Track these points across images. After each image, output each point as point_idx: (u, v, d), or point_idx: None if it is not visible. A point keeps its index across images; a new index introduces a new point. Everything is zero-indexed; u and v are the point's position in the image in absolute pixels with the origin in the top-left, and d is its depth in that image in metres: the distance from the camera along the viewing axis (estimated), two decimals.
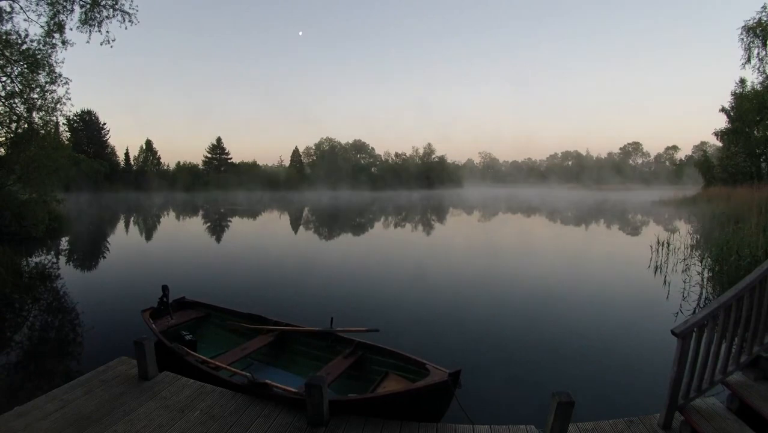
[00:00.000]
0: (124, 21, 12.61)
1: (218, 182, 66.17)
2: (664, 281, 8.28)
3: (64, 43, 12.21)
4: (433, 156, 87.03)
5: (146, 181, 60.49)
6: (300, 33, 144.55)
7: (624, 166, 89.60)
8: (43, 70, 11.91)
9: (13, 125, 12.42)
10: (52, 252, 12.88)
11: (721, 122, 27.94)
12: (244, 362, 4.34)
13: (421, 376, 3.48)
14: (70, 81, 12.48)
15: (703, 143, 59.41)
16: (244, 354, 4.24)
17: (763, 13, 20.98)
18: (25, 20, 12.33)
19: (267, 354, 4.63)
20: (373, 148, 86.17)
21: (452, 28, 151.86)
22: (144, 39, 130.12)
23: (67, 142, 19.12)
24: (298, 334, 4.61)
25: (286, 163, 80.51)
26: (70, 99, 12.53)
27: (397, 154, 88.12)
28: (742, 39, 21.67)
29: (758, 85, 23.91)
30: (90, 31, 12.32)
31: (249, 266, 10.87)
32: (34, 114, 12.33)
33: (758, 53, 21.36)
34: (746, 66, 22.02)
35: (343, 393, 3.66)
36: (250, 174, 70.60)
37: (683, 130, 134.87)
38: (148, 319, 4.90)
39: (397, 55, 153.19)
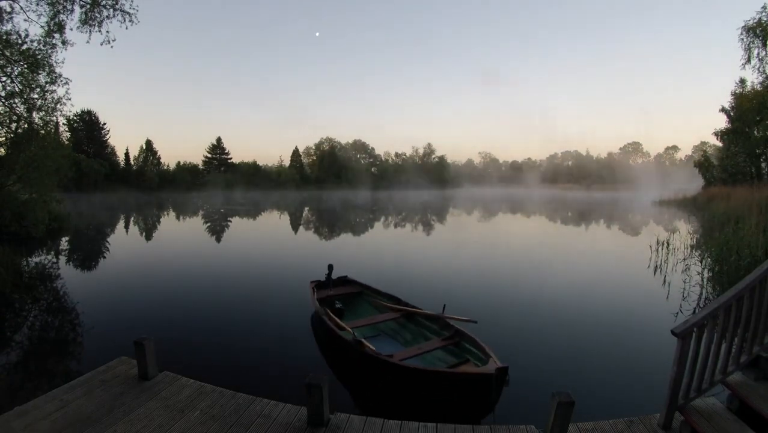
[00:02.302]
0: (125, 21, 12.61)
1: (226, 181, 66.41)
2: (664, 281, 8.28)
3: (64, 43, 12.21)
4: (433, 156, 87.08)
5: (145, 182, 60.39)
6: (317, 34, 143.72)
7: (624, 166, 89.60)
8: (43, 71, 11.92)
9: (13, 125, 12.44)
10: (52, 252, 12.88)
11: (721, 122, 27.97)
12: (373, 330, 5.42)
13: (483, 364, 3.80)
14: (70, 81, 12.50)
15: (703, 143, 59.39)
16: (372, 323, 5.37)
17: (763, 13, 20.97)
18: (25, 20, 12.31)
19: (391, 327, 5.55)
20: (373, 149, 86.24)
21: (452, 28, 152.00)
22: (144, 39, 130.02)
23: (67, 142, 19.14)
24: (418, 315, 5.42)
25: (286, 163, 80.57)
26: (70, 99, 12.56)
27: (397, 154, 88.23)
28: (742, 39, 21.66)
29: (758, 85, 23.92)
30: (90, 31, 12.32)
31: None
32: (34, 114, 12.35)
33: (758, 53, 21.35)
34: (746, 66, 22.03)
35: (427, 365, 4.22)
36: (252, 173, 70.64)
37: (683, 130, 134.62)
38: (312, 288, 6.33)
39: (397, 56, 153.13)
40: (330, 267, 6.75)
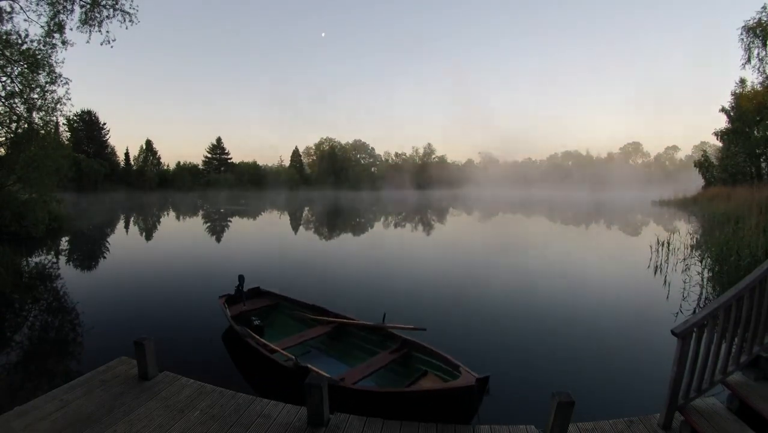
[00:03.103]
0: (125, 21, 12.66)
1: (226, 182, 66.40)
2: (664, 281, 8.27)
3: (64, 43, 12.26)
4: (433, 156, 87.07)
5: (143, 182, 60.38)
6: (323, 34, 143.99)
7: (624, 166, 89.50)
8: (43, 71, 11.96)
9: (13, 125, 12.47)
10: (52, 252, 12.88)
11: (721, 122, 27.98)
12: (303, 348, 4.66)
13: (454, 377, 3.53)
14: (70, 81, 12.54)
15: (703, 143, 59.43)
16: (302, 341, 4.59)
17: (763, 13, 21.00)
18: (25, 20, 12.36)
19: (323, 343, 4.94)
20: (373, 149, 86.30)
21: (451, 28, 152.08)
22: (144, 38, 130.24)
23: (67, 142, 19.16)
24: (353, 326, 4.90)
25: (286, 163, 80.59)
26: (70, 99, 12.63)
27: (397, 154, 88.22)
28: (742, 39, 21.69)
29: (758, 85, 23.93)
30: (90, 31, 12.38)
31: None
32: (34, 114, 12.39)
33: (758, 53, 21.38)
34: (746, 66, 22.05)
35: (381, 385, 3.87)
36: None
37: (683, 130, 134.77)
38: (224, 304, 5.46)
39: (396, 56, 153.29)
40: (241, 278, 5.83)
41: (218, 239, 16.74)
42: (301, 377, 3.52)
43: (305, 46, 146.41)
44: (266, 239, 16.90)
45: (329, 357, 4.71)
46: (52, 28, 11.91)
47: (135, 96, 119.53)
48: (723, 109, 27.69)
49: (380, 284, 8.87)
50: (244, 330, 4.63)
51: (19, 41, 11.63)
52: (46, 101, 12.26)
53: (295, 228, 21.33)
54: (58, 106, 12.51)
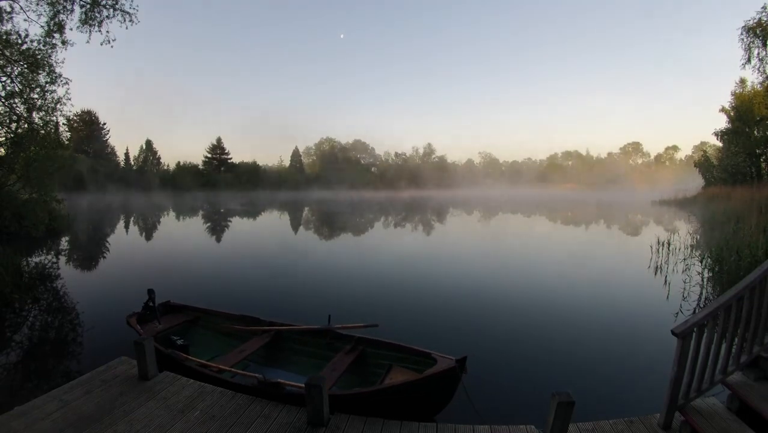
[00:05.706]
0: (125, 21, 12.63)
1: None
2: (665, 281, 8.28)
3: (64, 43, 12.24)
4: (433, 156, 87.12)
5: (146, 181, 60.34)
6: (342, 36, 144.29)
7: (624, 166, 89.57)
8: (43, 70, 11.95)
9: (13, 125, 12.45)
10: (52, 252, 12.88)
11: (721, 122, 27.96)
12: (242, 365, 4.24)
13: (427, 366, 3.56)
14: (70, 81, 12.53)
15: (703, 143, 59.53)
16: (242, 357, 4.15)
17: (763, 13, 20.94)
18: (25, 20, 12.37)
19: (264, 355, 4.56)
20: (373, 149, 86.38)
21: (451, 27, 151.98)
22: (144, 38, 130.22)
23: (67, 142, 19.16)
24: (295, 333, 4.58)
25: (286, 163, 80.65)
26: (70, 99, 12.61)
27: (397, 154, 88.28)
28: (742, 39, 21.64)
29: (758, 85, 23.92)
30: (90, 31, 12.35)
31: (244, 267, 10.81)
32: (34, 114, 12.37)
33: (758, 53, 21.32)
34: (746, 66, 22.01)
35: (349, 389, 3.65)
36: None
37: (683, 130, 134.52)
38: (136, 325, 4.70)
39: (396, 55, 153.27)
40: (151, 292, 5.00)
41: (218, 239, 16.71)
42: (270, 394, 3.39)
43: (306, 48, 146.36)
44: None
45: (276, 369, 4.35)
46: (52, 28, 11.90)
47: (135, 96, 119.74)
48: (723, 109, 27.68)
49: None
50: (177, 354, 4.05)
51: (19, 41, 11.62)
52: (46, 101, 12.26)
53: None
54: (58, 106, 12.51)
